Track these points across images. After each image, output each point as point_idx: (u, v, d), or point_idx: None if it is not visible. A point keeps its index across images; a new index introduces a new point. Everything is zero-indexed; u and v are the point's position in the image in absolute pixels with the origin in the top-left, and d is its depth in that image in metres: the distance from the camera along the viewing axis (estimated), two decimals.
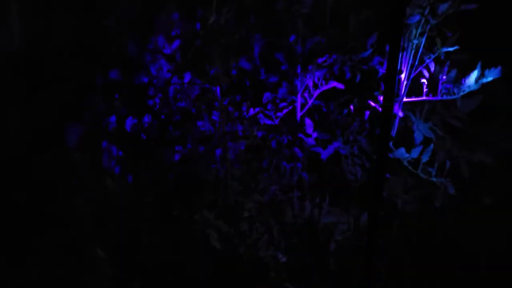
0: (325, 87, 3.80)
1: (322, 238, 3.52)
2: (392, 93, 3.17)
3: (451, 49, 3.37)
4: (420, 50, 3.35)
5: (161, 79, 3.79)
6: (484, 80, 3.52)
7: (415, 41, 3.31)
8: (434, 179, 3.43)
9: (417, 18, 3.21)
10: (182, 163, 3.49)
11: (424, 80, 3.42)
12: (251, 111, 3.99)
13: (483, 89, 3.77)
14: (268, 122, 3.98)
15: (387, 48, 2.96)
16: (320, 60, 3.63)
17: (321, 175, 3.93)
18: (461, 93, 3.50)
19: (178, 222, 3.09)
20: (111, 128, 3.36)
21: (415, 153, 3.43)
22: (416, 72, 3.45)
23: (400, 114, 3.35)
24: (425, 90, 3.50)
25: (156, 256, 3.22)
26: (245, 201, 3.49)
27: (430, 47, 3.33)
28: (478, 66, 3.45)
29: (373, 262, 3.16)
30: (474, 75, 3.43)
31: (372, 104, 3.72)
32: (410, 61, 3.40)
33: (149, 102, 3.62)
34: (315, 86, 3.83)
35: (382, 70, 3.56)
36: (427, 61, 3.35)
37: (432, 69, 3.46)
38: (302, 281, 3.50)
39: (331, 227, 3.59)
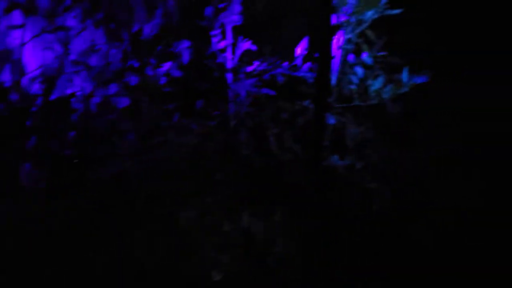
0: (256, 94, 3.75)
1: (260, 249, 3.45)
2: (322, 100, 3.16)
3: (378, 54, 3.39)
4: (349, 56, 3.35)
5: (85, 91, 3.61)
6: (413, 82, 3.58)
7: (343, 47, 3.30)
8: (369, 185, 3.45)
9: (344, 24, 3.21)
10: (111, 180, 3.32)
11: (353, 86, 3.42)
12: (183, 121, 3.88)
13: (412, 91, 3.85)
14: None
15: (316, 55, 2.95)
16: (250, 69, 3.56)
17: (258, 184, 3.87)
18: (390, 97, 3.53)
19: (106, 245, 2.92)
20: (30, 147, 3.14)
21: (348, 159, 3.43)
22: (345, 77, 3.45)
23: (332, 120, 3.33)
24: (355, 95, 3.50)
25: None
26: (181, 213, 3.37)
27: (357, 53, 3.34)
28: (405, 70, 3.49)
29: (315, 268, 3.14)
30: (402, 79, 3.47)
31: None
32: (339, 67, 3.39)
33: (72, 117, 3.42)
34: (248, 94, 3.76)
35: (312, 77, 3.54)
36: (355, 67, 3.35)
37: (361, 74, 3.47)
38: None
39: (269, 238, 3.53)
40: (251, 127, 3.89)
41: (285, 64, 3.60)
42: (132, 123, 3.67)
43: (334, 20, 3.12)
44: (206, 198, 3.71)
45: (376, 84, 3.38)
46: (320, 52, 3.06)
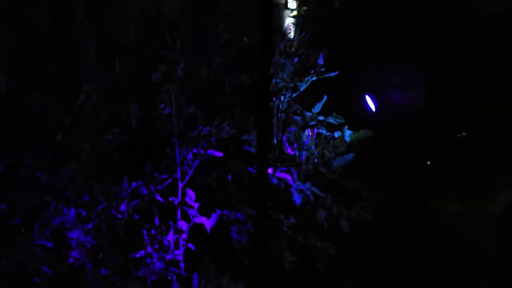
0: (203, 157, 3.82)
1: None
2: (263, 161, 3.25)
3: (319, 117, 3.56)
4: (288, 118, 3.50)
5: None
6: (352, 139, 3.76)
7: (282, 110, 3.45)
8: (313, 243, 3.52)
9: (282, 89, 3.36)
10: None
11: (293, 147, 3.55)
12: (133, 184, 3.90)
13: (354, 146, 4.02)
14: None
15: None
16: (195, 132, 3.66)
17: (207, 245, 3.89)
18: (331, 155, 3.67)
19: None
20: None
21: (292, 218, 3.52)
22: (284, 139, 3.58)
23: (274, 180, 3.43)
24: (297, 154, 3.63)
25: None
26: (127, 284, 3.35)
27: (296, 116, 3.49)
28: (345, 129, 3.66)
29: None
30: (340, 137, 3.63)
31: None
32: (279, 131, 3.52)
33: None
34: (194, 156, 3.83)
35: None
36: (292, 129, 3.49)
37: (302, 136, 3.61)
38: None
39: None
40: (199, 187, 3.95)
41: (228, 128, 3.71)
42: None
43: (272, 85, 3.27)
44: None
45: (316, 143, 3.52)
46: (259, 116, 3.17)
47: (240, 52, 4.17)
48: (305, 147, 3.62)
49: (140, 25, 4.17)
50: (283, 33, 3.88)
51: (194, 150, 3.83)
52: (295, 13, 4.10)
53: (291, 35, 3.92)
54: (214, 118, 3.64)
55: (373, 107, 4.46)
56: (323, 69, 3.40)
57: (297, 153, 3.64)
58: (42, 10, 3.84)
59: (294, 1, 4.60)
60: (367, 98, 4.51)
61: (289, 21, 4.04)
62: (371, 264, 4.14)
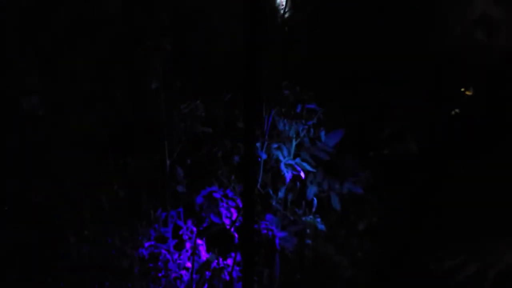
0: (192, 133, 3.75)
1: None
2: (251, 135, 3.18)
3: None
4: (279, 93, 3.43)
5: None
6: None
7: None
8: (303, 218, 3.49)
9: None
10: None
11: (283, 123, 3.49)
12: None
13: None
14: None
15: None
16: (183, 107, 3.58)
17: (197, 221, 3.86)
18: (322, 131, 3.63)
19: None
20: None
21: (281, 193, 3.48)
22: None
23: (264, 156, 3.38)
24: (287, 129, 3.58)
25: None
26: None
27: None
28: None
29: None
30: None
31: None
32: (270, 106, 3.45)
33: None
34: (182, 132, 3.77)
35: None
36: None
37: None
38: None
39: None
40: (188, 164, 3.89)
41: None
42: None
43: None
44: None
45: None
46: (246, 89, 3.09)
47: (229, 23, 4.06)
48: (295, 123, 3.56)
49: None
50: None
51: (182, 126, 3.76)
52: None
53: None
54: (204, 92, 3.57)
55: None
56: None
57: (287, 128, 3.58)
58: None
59: None
60: None
61: None
62: (361, 239, 4.13)
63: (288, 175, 3.71)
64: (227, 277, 3.61)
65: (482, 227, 3.92)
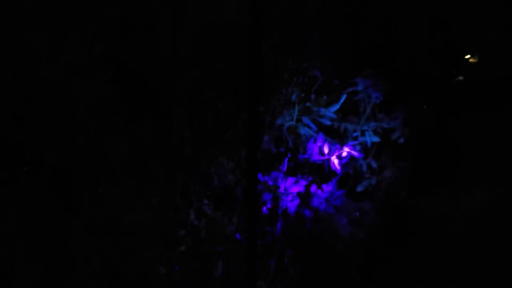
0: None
1: (207, 246, 3.65)
2: (255, 101, 3.33)
3: None
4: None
5: None
6: None
7: None
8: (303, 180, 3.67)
9: None
10: None
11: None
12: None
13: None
14: None
15: None
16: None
17: (203, 184, 4.04)
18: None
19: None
20: None
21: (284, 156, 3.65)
22: None
23: (268, 120, 3.54)
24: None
25: None
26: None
27: None
28: None
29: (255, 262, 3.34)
30: None
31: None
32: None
33: None
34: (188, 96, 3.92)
35: None
36: None
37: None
38: None
39: (214, 234, 3.73)
40: (195, 128, 4.06)
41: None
42: None
43: None
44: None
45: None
46: (250, 58, 3.21)
47: None
48: (297, 89, 3.71)
49: None
50: None
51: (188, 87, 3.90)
52: None
53: None
54: (209, 59, 3.69)
55: None
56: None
57: (290, 94, 3.74)
58: None
59: None
60: None
61: None
62: (359, 200, 4.33)
63: (289, 138, 3.89)
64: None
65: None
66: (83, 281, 3.12)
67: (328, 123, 4.17)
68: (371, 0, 4.46)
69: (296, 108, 3.97)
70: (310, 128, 3.98)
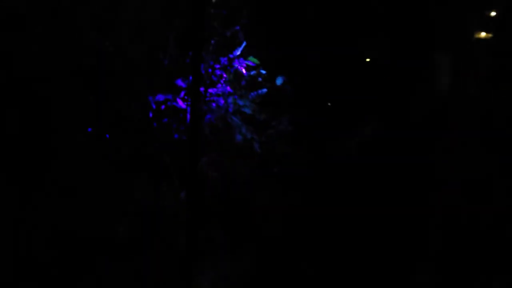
0: None
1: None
2: (196, 91, 4.03)
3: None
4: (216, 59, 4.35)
5: None
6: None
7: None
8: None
9: None
10: None
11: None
12: None
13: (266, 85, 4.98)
14: None
15: None
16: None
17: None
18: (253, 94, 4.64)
19: None
20: None
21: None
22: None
23: (204, 107, 4.30)
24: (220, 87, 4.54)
25: None
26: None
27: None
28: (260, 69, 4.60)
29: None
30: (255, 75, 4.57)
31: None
32: (209, 68, 4.37)
33: None
34: None
35: None
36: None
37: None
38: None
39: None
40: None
41: None
42: None
43: None
44: None
45: None
46: (193, 55, 3.89)
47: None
48: (225, 82, 4.50)
49: None
50: None
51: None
52: None
53: None
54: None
55: None
56: (246, 21, 4.25)
57: (220, 86, 4.52)
58: None
59: None
60: None
61: None
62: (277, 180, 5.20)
63: (221, 125, 4.67)
64: None
65: None
66: None
67: (250, 112, 5.00)
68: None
69: (229, 99, 4.76)
70: (236, 117, 4.78)
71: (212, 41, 4.28)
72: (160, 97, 4.37)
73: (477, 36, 5.09)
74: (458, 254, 4.51)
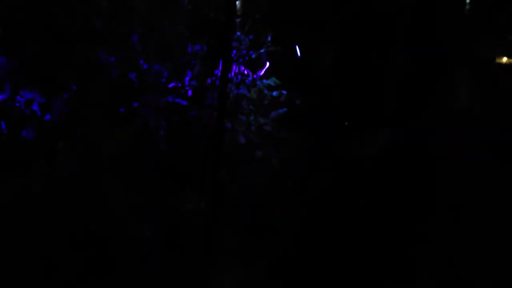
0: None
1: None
2: (223, 109, 4.39)
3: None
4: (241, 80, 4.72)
5: None
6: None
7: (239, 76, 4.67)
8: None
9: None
10: None
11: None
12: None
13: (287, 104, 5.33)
14: None
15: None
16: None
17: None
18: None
19: None
20: None
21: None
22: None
23: (228, 125, 4.65)
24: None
25: None
26: None
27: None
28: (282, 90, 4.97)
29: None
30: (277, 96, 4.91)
31: None
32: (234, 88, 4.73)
33: None
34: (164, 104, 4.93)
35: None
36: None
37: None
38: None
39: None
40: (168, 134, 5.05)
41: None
42: None
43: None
44: None
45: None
46: (221, 75, 4.27)
47: (202, 22, 5.23)
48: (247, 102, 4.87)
49: None
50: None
51: (164, 99, 4.92)
52: None
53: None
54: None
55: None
56: (270, 44, 4.62)
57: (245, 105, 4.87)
58: None
59: None
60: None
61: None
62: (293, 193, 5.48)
63: (242, 140, 5.01)
64: None
65: None
66: None
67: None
68: None
69: None
70: None
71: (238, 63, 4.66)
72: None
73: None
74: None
